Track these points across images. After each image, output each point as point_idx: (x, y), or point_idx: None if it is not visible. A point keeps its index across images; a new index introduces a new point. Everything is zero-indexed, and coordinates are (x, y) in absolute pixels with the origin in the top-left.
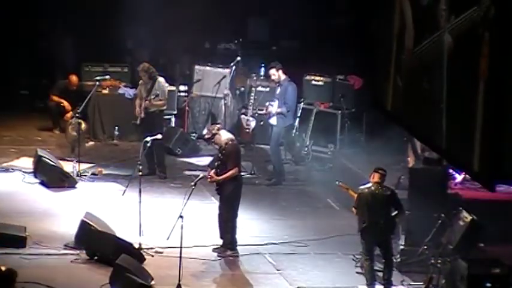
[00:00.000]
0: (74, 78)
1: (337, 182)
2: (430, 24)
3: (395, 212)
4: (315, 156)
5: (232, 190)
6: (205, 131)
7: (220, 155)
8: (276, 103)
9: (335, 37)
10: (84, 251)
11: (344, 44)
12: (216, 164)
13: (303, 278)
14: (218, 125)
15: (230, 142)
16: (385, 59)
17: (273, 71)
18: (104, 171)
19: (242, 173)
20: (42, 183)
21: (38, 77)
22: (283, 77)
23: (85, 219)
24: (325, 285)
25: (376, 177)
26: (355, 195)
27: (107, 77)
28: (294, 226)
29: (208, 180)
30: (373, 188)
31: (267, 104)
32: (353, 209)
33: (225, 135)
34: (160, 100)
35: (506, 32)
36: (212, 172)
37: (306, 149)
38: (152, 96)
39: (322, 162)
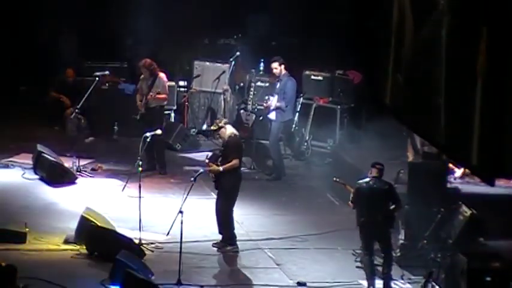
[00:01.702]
0: (70, 71)
1: (334, 179)
2: (428, 14)
3: (393, 206)
4: (315, 151)
5: (231, 184)
6: (213, 125)
7: (222, 147)
8: (275, 98)
9: (335, 32)
10: (84, 247)
11: (344, 39)
12: (217, 156)
13: (303, 272)
14: (225, 119)
15: (233, 135)
16: (384, 53)
17: (275, 65)
18: (104, 167)
19: (242, 168)
20: (42, 179)
21: (38, 73)
22: (284, 72)
23: (85, 215)
24: (325, 280)
25: (374, 171)
26: (352, 191)
27: (107, 72)
28: (294, 221)
29: (208, 169)
30: (371, 182)
31: (266, 98)
32: (349, 203)
33: (229, 130)
34: (161, 95)
35: (504, 28)
36: (213, 165)
37: (306, 144)
38: (153, 93)
39: (321, 157)
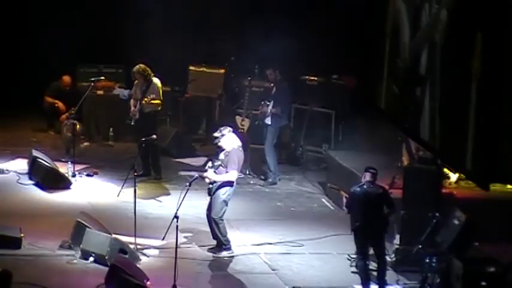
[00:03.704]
0: (66, 78)
1: (328, 185)
2: (423, 19)
3: (388, 210)
4: (310, 156)
5: (224, 194)
6: (217, 132)
7: (223, 156)
8: (271, 103)
9: (330, 37)
10: (79, 252)
11: (340, 43)
12: (216, 164)
13: (299, 277)
14: (229, 128)
15: (236, 147)
16: (378, 59)
17: (269, 71)
18: (99, 172)
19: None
20: (37, 184)
21: (34, 78)
22: (279, 77)
23: (80, 220)
24: (321, 285)
25: (367, 176)
26: (346, 195)
27: (102, 78)
28: (289, 226)
29: (205, 175)
30: (365, 186)
31: (262, 103)
32: (344, 208)
33: (233, 140)
34: (155, 100)
35: (498, 34)
36: (211, 171)
37: (301, 148)
38: (147, 99)
39: (316, 162)
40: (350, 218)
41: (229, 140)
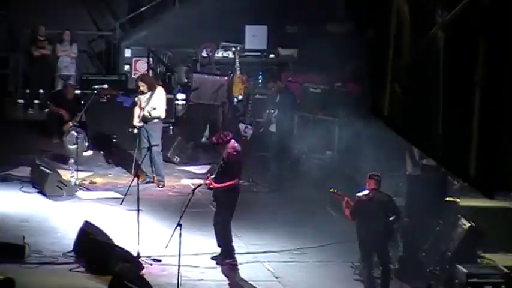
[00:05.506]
0: (69, 87)
1: (331, 190)
2: (427, 24)
3: (393, 217)
4: (313, 163)
5: (229, 199)
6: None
7: (222, 163)
8: (275, 111)
9: (333, 44)
10: (82, 260)
11: (342, 51)
12: (216, 171)
13: (302, 285)
14: (230, 134)
15: (235, 153)
16: (381, 65)
17: (271, 84)
18: (102, 180)
19: (240, 181)
20: (40, 192)
21: (36, 86)
22: (282, 86)
23: (83, 228)
24: None
25: (372, 183)
26: (350, 202)
27: (105, 85)
28: (293, 234)
29: (209, 186)
30: (370, 194)
31: (267, 111)
32: (347, 215)
33: (232, 146)
34: (155, 110)
35: (501, 39)
36: (211, 178)
37: (304, 156)
38: (149, 109)
39: (320, 169)
40: (356, 226)
41: (228, 145)
